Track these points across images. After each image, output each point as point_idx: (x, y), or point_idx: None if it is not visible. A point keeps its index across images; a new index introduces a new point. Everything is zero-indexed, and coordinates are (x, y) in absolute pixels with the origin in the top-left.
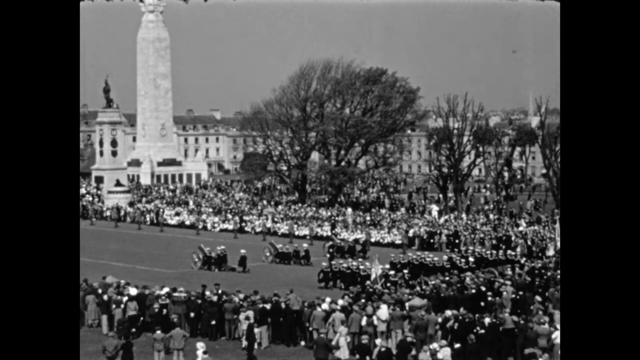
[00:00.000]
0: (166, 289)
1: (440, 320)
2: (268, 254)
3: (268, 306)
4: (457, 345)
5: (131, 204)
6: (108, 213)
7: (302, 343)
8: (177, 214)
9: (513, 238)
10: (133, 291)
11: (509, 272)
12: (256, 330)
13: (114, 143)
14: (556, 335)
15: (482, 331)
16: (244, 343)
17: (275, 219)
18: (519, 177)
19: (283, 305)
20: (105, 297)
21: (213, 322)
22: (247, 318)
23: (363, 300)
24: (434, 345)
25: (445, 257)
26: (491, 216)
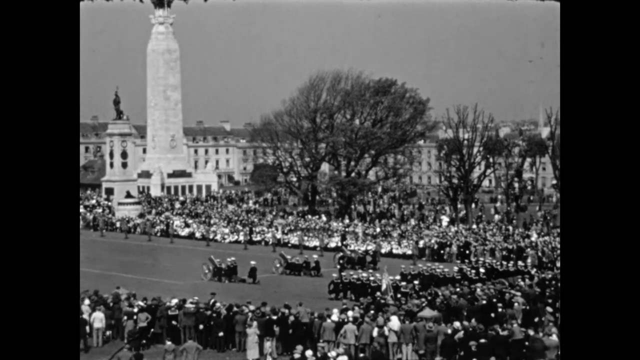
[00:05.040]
0: (175, 300)
1: (449, 331)
2: (278, 265)
3: (275, 318)
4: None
5: (141, 216)
6: (118, 224)
7: (309, 353)
8: (187, 225)
9: (524, 249)
10: (140, 304)
11: (520, 282)
12: (267, 344)
13: (124, 155)
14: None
15: (483, 341)
16: (249, 355)
17: (285, 231)
18: (529, 188)
19: (292, 318)
20: (115, 307)
21: (221, 334)
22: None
23: (373, 312)
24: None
25: (455, 268)
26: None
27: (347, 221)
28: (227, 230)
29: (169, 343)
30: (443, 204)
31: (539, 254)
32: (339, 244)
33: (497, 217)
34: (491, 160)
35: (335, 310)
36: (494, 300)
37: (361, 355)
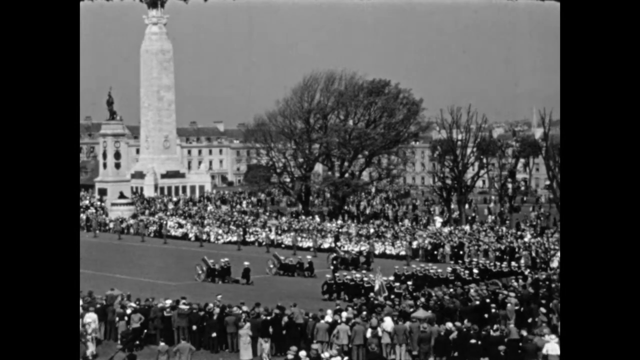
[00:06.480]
0: (169, 301)
1: (442, 332)
2: (272, 265)
3: (269, 319)
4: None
5: (134, 216)
6: (111, 225)
7: (303, 354)
8: (181, 225)
9: (517, 249)
10: (132, 305)
11: (514, 283)
12: (264, 345)
13: (117, 155)
14: (548, 348)
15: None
16: (242, 356)
17: (279, 231)
18: (522, 188)
19: (286, 319)
20: (109, 309)
21: (214, 335)
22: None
23: (365, 312)
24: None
25: (449, 269)
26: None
27: (340, 222)
28: (220, 231)
29: (162, 344)
30: (435, 204)
31: (533, 254)
32: (333, 245)
33: (490, 217)
34: (485, 161)
35: (329, 311)
36: (488, 300)
37: (345, 358)
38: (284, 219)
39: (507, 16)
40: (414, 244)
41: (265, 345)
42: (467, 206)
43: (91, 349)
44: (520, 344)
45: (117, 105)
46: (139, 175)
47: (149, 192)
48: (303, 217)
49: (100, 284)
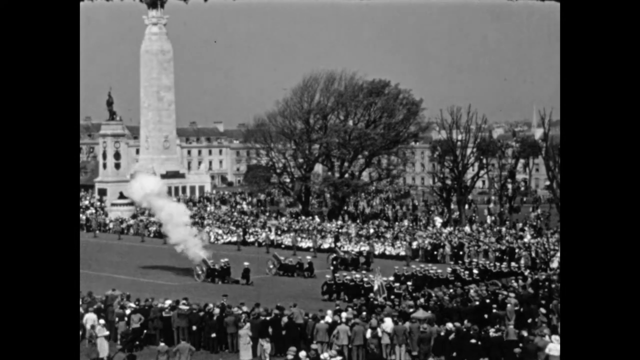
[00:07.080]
0: (169, 301)
1: (442, 333)
2: (271, 266)
3: (269, 319)
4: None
5: (134, 216)
6: (111, 225)
7: (303, 354)
8: None
9: (517, 250)
10: (132, 306)
11: (514, 284)
12: (265, 345)
13: (117, 155)
14: (550, 348)
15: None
16: (242, 356)
17: (279, 232)
18: (522, 189)
19: (285, 319)
20: (109, 310)
21: (213, 335)
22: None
23: (365, 313)
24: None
25: (449, 269)
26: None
27: (340, 222)
28: (220, 231)
29: (162, 344)
30: (435, 204)
31: (532, 255)
32: (333, 245)
33: (490, 218)
34: (484, 161)
35: (329, 312)
36: (487, 301)
37: (339, 358)
38: (283, 219)
39: (507, 16)
40: (414, 245)
41: (266, 345)
42: (467, 207)
43: (103, 352)
44: (521, 345)
45: (117, 106)
46: None
47: None
48: (303, 217)
49: (100, 284)
